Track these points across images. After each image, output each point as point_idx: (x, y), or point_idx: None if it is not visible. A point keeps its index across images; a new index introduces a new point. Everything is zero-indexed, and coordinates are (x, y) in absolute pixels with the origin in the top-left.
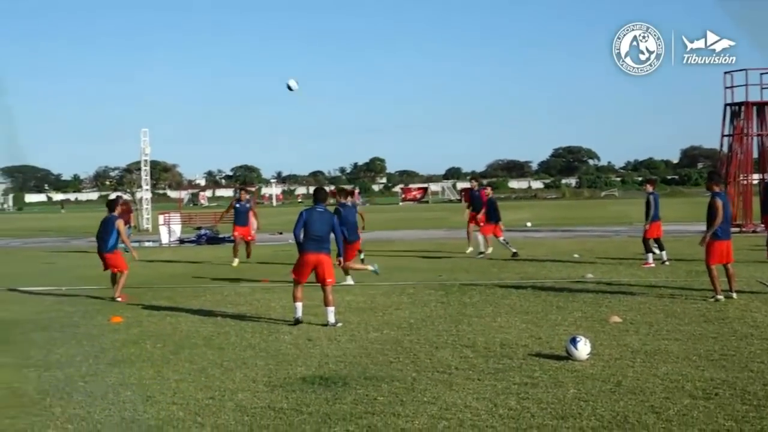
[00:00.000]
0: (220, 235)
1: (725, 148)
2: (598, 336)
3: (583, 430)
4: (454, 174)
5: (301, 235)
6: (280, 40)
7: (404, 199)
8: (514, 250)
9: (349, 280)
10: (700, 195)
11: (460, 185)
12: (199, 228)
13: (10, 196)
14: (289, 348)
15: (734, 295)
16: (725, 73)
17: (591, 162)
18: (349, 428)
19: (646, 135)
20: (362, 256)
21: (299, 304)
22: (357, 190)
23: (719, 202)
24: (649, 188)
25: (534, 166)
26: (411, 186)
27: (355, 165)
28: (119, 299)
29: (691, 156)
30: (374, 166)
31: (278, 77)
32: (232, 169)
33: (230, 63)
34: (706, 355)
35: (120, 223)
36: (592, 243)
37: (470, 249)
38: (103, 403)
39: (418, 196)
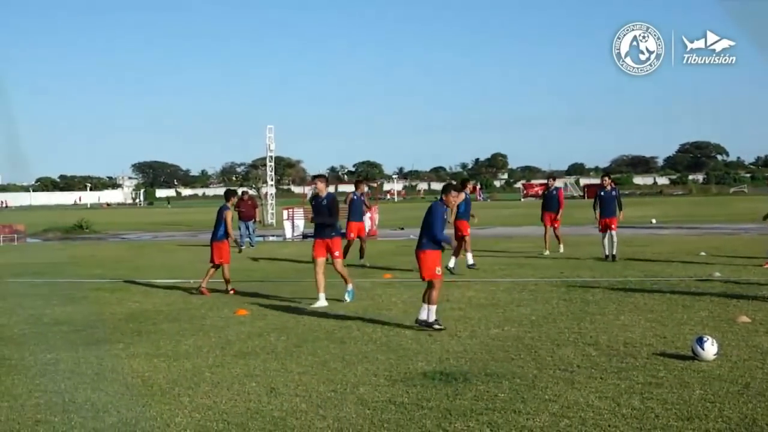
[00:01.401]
0: (342, 230)
1: None
2: (725, 336)
3: None
4: (577, 170)
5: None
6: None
7: (526, 195)
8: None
9: None
10: None
11: (584, 181)
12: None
13: (142, 191)
14: (410, 343)
15: None
16: None
17: (719, 157)
18: (470, 424)
19: None
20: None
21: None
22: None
23: None
24: None
25: (660, 161)
26: (533, 182)
27: (477, 160)
28: (231, 292)
29: None
30: (496, 162)
31: (398, 69)
32: (355, 165)
33: (351, 57)
34: None
35: (228, 214)
36: (720, 241)
37: (546, 251)
38: (229, 394)
39: (540, 192)
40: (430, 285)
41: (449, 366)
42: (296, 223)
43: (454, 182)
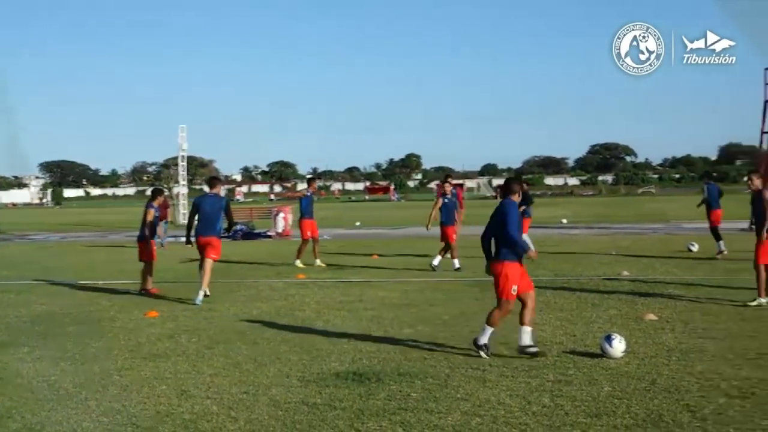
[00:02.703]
0: (256, 231)
1: (765, 145)
2: (633, 334)
3: (617, 428)
4: (490, 170)
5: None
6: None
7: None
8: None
9: None
10: (738, 192)
11: (496, 182)
12: (235, 223)
13: (49, 191)
14: (323, 343)
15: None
16: (765, 69)
17: (628, 159)
18: (383, 424)
19: (683, 131)
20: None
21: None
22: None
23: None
24: None
25: (570, 162)
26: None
27: (391, 161)
28: (152, 291)
29: (729, 153)
30: (410, 162)
31: (315, 69)
32: (268, 165)
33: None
34: (742, 353)
35: (149, 212)
36: (629, 240)
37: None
38: (138, 397)
39: (461, 194)
40: (523, 305)
41: (362, 366)
42: None
43: (513, 177)
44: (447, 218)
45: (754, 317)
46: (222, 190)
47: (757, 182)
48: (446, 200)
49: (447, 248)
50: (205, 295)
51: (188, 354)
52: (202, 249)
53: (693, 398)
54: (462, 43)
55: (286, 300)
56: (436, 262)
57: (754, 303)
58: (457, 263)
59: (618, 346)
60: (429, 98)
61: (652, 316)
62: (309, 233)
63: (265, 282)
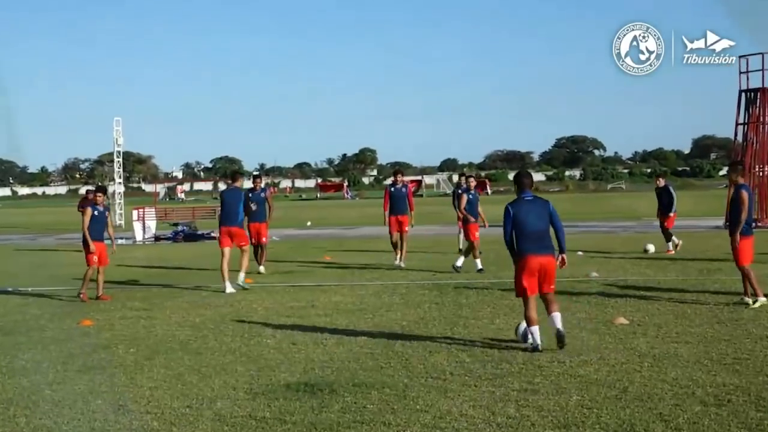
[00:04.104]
0: (199, 232)
1: (740, 138)
2: (603, 339)
3: None
4: (449, 166)
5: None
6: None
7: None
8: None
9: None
10: (712, 187)
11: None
12: (176, 224)
13: None
14: (272, 353)
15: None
16: (740, 57)
17: (596, 153)
18: None
19: (654, 123)
20: None
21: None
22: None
23: (746, 195)
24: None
25: (535, 157)
26: (405, 179)
27: (344, 156)
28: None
29: (703, 146)
30: (364, 158)
31: (259, 60)
32: (212, 161)
33: (207, 47)
34: (718, 359)
35: (86, 212)
36: (597, 239)
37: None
38: (72, 413)
39: (412, 189)
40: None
41: (314, 377)
42: (147, 224)
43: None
44: (471, 215)
45: (730, 320)
46: (243, 183)
47: (736, 177)
48: (470, 196)
49: (470, 247)
50: (243, 288)
51: (126, 366)
52: (231, 238)
53: (666, 407)
54: (422, 28)
55: (231, 306)
56: (459, 263)
57: (757, 305)
58: (479, 263)
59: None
60: (384, 88)
61: (623, 320)
62: (254, 238)
63: (209, 287)
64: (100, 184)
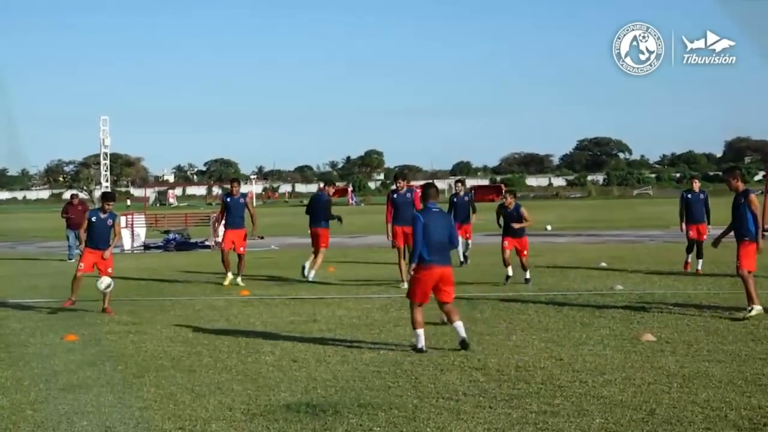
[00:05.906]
0: (192, 240)
1: None
2: (628, 357)
3: None
4: (463, 169)
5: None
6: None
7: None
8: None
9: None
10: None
11: (471, 182)
12: (167, 231)
13: None
14: (271, 371)
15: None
16: None
17: (621, 156)
18: None
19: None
20: None
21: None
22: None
23: (755, 199)
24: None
25: (555, 160)
26: (413, 183)
27: (348, 158)
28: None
29: (737, 149)
30: (370, 160)
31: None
32: (206, 164)
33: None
34: (753, 379)
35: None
36: (623, 249)
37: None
38: None
39: (419, 195)
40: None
41: (317, 396)
42: (137, 231)
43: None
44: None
45: (766, 337)
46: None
47: (736, 184)
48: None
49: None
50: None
51: (113, 384)
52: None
53: (697, 430)
54: (433, 28)
55: (227, 320)
56: (510, 272)
57: (753, 313)
58: (527, 274)
59: None
60: (392, 85)
61: (650, 337)
62: (228, 245)
63: (203, 300)
64: (107, 190)
